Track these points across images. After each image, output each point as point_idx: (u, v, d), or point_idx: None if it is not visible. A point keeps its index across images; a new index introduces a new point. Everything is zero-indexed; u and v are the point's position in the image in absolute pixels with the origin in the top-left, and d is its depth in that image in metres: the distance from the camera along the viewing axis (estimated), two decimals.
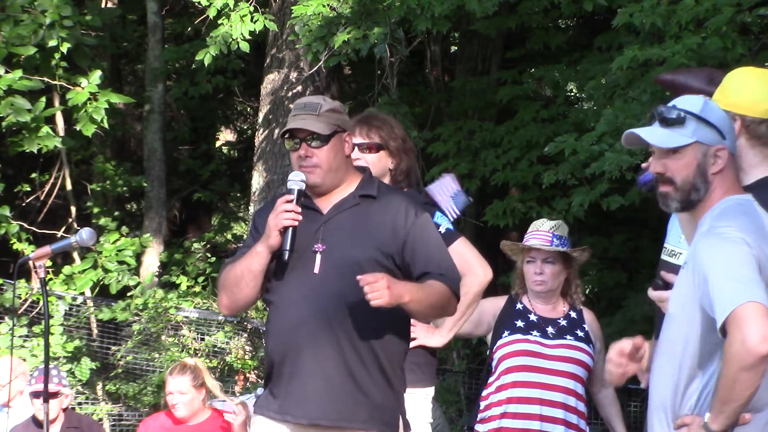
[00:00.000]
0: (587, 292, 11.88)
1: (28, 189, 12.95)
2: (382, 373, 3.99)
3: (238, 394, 10.69)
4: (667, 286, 3.63)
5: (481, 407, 5.36)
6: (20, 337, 11.39)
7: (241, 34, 11.08)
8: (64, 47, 11.48)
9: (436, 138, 11.99)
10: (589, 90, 9.58)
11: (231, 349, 11.89)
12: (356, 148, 4.62)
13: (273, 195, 11.43)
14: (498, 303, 5.51)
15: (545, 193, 10.94)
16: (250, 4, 11.43)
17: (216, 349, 11.93)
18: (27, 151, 11.60)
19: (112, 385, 11.76)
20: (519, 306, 5.48)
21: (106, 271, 12.02)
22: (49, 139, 11.58)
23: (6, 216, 11.96)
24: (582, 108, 11.94)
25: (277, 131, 11.87)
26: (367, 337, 3.95)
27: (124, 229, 12.66)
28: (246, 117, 17.73)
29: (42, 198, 12.97)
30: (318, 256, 3.97)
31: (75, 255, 12.40)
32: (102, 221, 12.69)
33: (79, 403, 11.33)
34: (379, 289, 3.72)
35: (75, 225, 12.67)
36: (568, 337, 5.39)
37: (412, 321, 4.47)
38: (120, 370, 11.84)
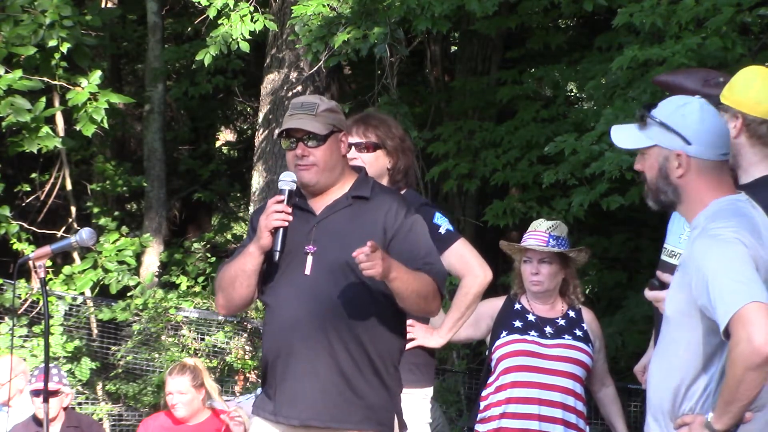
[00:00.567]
0: (587, 292, 11.88)
1: (28, 189, 12.95)
2: (375, 373, 3.99)
3: (238, 394, 10.69)
4: (664, 286, 3.63)
5: (481, 407, 5.36)
6: (20, 337, 11.39)
7: (241, 34, 11.08)
8: (64, 47, 11.48)
9: (436, 138, 11.99)
10: (589, 90, 9.58)
11: (231, 349, 11.89)
12: (353, 147, 4.63)
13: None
14: (496, 304, 5.52)
15: (545, 193, 10.94)
16: (250, 4, 11.43)
17: (216, 349, 11.93)
18: (27, 151, 11.61)
19: (112, 385, 11.76)
20: (517, 306, 5.48)
21: (106, 271, 12.02)
22: (49, 139, 11.58)
23: (6, 216, 11.96)
24: (582, 108, 11.94)
25: (277, 131, 11.87)
26: (358, 337, 3.95)
27: (124, 229, 12.66)
28: (246, 117, 17.74)
29: (42, 198, 12.97)
30: (309, 258, 3.97)
31: (75, 255, 12.40)
32: (102, 221, 12.69)
33: (79, 403, 11.33)
34: (374, 260, 3.73)
35: (75, 225, 12.68)
36: (567, 336, 5.39)
37: (411, 321, 4.47)
38: (120, 370, 11.84)
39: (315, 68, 11.26)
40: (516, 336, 5.36)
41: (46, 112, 11.65)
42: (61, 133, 12.36)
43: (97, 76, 11.72)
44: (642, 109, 3.35)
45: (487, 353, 5.49)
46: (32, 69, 11.57)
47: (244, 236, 4.23)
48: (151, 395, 11.47)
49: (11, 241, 11.98)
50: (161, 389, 9.15)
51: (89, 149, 13.61)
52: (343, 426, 3.94)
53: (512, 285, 5.58)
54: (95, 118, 11.47)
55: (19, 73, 11.33)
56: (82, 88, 11.60)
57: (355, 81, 15.55)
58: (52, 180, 12.92)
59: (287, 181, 4.01)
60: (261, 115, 12.49)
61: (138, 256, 12.64)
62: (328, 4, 10.21)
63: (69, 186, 12.92)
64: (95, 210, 13.21)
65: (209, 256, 13.40)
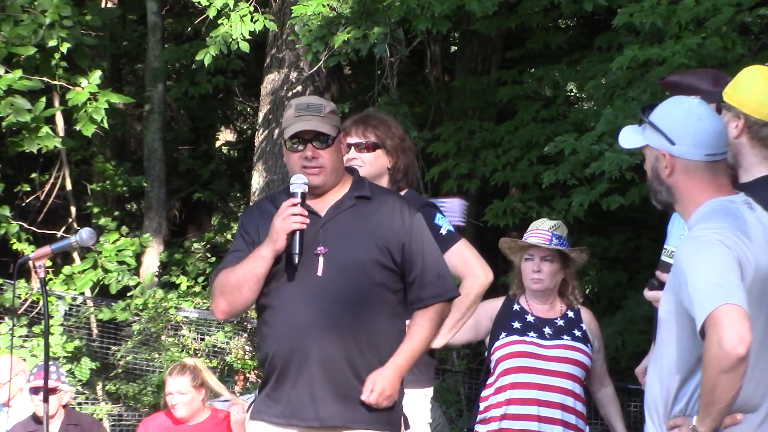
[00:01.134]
0: (587, 292, 11.87)
1: (28, 189, 12.95)
2: None
3: (238, 394, 10.69)
4: (663, 286, 3.63)
5: (481, 408, 5.36)
6: (20, 337, 11.39)
7: (241, 34, 11.08)
8: (64, 47, 11.48)
9: (436, 138, 11.99)
10: (589, 90, 9.58)
11: (231, 349, 11.89)
12: (353, 147, 4.63)
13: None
14: (494, 305, 5.51)
15: (545, 193, 10.93)
16: (250, 4, 11.42)
17: (216, 349, 11.93)
18: (27, 151, 11.61)
19: (112, 385, 11.76)
20: (516, 307, 5.48)
21: (106, 271, 12.02)
22: (49, 139, 11.58)
23: (6, 216, 11.96)
24: (582, 108, 11.93)
25: (277, 131, 11.88)
26: (370, 336, 3.97)
27: (124, 229, 12.66)
28: (246, 117, 17.73)
29: (42, 198, 12.97)
30: (320, 259, 3.96)
31: (75, 255, 12.40)
32: (102, 221, 12.69)
33: (79, 403, 11.33)
34: (381, 396, 3.93)
35: (75, 225, 12.68)
36: (566, 337, 5.39)
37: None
38: (120, 370, 11.84)
39: (315, 68, 11.26)
40: (515, 337, 5.36)
41: (46, 112, 11.65)
42: (61, 133, 12.36)
43: (97, 76, 11.72)
44: (641, 109, 3.37)
45: (486, 354, 5.49)
46: (32, 69, 11.57)
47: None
48: (151, 395, 11.48)
49: (11, 241, 11.98)
50: (161, 389, 9.16)
51: (89, 149, 13.61)
52: (360, 426, 3.97)
53: (511, 285, 5.58)
54: (95, 118, 11.47)
55: (19, 73, 11.33)
56: (82, 88, 11.60)
57: (355, 81, 15.55)
58: (52, 180, 12.92)
59: (299, 183, 4.01)
60: (261, 115, 12.49)
61: (138, 256, 12.64)
62: (328, 4, 10.21)
63: (69, 186, 12.93)
64: (95, 210, 13.21)
65: (209, 256, 13.40)
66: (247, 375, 11.79)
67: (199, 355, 11.66)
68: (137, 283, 12.03)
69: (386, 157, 4.74)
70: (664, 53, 7.88)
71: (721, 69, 5.88)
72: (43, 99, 11.71)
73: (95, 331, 12.16)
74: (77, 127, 11.69)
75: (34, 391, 6.95)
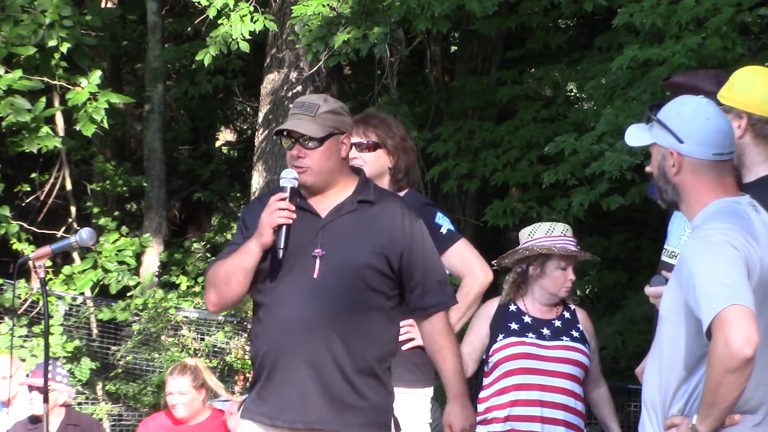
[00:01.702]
0: (587, 292, 11.88)
1: (28, 189, 12.96)
2: (376, 376, 3.97)
3: (238, 394, 10.69)
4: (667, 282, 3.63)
5: (480, 409, 5.34)
6: (20, 337, 11.39)
7: (241, 34, 11.08)
8: (64, 47, 11.48)
9: (436, 138, 11.99)
10: (589, 90, 9.58)
11: (231, 349, 11.90)
12: (354, 147, 4.61)
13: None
14: (490, 307, 5.46)
15: (545, 193, 10.93)
16: (250, 4, 11.42)
17: (216, 349, 11.93)
18: (27, 151, 11.61)
19: (112, 385, 11.76)
20: (512, 308, 5.42)
21: (106, 271, 12.02)
22: (49, 139, 11.58)
23: (6, 216, 11.96)
24: (582, 108, 11.94)
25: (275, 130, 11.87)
26: (361, 340, 3.93)
27: (124, 229, 12.66)
28: (246, 117, 17.73)
29: (42, 198, 12.98)
30: (317, 261, 3.93)
31: (75, 255, 12.40)
32: (102, 221, 12.69)
33: (79, 403, 11.33)
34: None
35: (75, 225, 12.68)
36: (565, 338, 5.37)
37: (412, 321, 4.47)
38: (120, 370, 11.85)
39: (315, 68, 11.26)
40: (514, 338, 5.34)
41: (46, 112, 11.65)
42: (61, 133, 12.36)
43: (97, 76, 11.72)
44: (649, 108, 3.36)
45: (483, 356, 5.47)
46: (32, 69, 11.57)
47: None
48: (151, 395, 11.48)
49: (11, 241, 11.98)
50: (161, 389, 9.16)
51: (89, 149, 13.62)
52: (348, 429, 3.92)
53: (507, 292, 5.47)
54: (95, 118, 11.47)
55: (19, 73, 11.33)
56: (82, 88, 11.60)
57: (355, 81, 15.55)
58: (52, 180, 12.92)
59: (289, 178, 3.96)
60: (261, 115, 12.48)
61: (138, 256, 12.64)
62: (328, 4, 10.21)
63: (69, 186, 12.93)
64: (95, 210, 13.21)
65: (209, 256, 13.40)
66: (247, 375, 11.79)
67: (199, 355, 11.67)
68: (137, 283, 12.03)
69: (387, 157, 4.73)
70: (664, 53, 7.88)
71: (721, 69, 5.87)
72: (43, 99, 11.72)
73: (95, 331, 12.16)
74: (77, 127, 11.69)
75: (30, 388, 6.96)
